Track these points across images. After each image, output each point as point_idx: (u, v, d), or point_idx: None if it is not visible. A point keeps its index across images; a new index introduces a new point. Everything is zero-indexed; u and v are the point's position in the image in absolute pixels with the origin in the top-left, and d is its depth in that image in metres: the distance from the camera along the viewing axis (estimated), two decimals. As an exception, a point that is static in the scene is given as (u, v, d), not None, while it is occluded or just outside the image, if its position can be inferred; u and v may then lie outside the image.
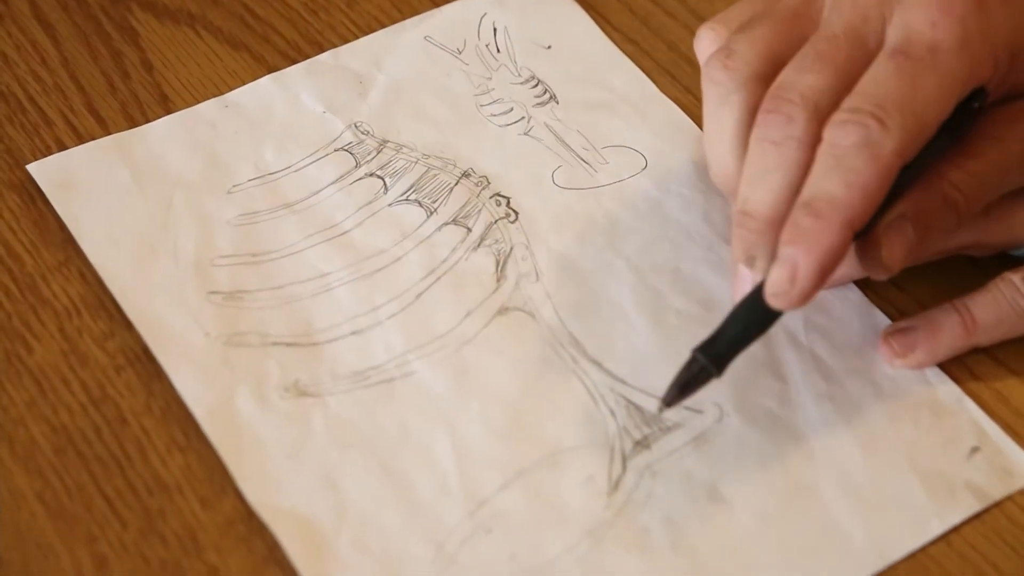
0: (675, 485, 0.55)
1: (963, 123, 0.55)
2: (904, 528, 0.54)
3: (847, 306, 0.60)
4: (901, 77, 0.53)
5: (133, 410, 0.57)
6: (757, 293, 0.53)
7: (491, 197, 0.63)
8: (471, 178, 0.64)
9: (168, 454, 0.55)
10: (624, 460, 0.55)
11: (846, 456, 0.56)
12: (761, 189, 0.53)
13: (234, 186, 0.63)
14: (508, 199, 0.63)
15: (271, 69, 0.68)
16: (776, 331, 0.59)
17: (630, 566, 0.53)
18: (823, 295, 0.60)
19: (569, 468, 0.55)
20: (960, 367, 0.58)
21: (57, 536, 0.54)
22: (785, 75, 0.54)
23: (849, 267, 0.57)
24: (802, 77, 0.54)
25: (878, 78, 0.53)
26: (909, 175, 0.54)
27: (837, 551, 0.53)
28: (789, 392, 0.57)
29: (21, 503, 0.54)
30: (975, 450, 0.56)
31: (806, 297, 0.52)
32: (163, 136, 0.65)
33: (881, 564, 0.53)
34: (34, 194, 0.63)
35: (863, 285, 0.61)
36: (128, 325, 0.59)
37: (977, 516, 0.55)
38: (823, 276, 0.52)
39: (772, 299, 0.52)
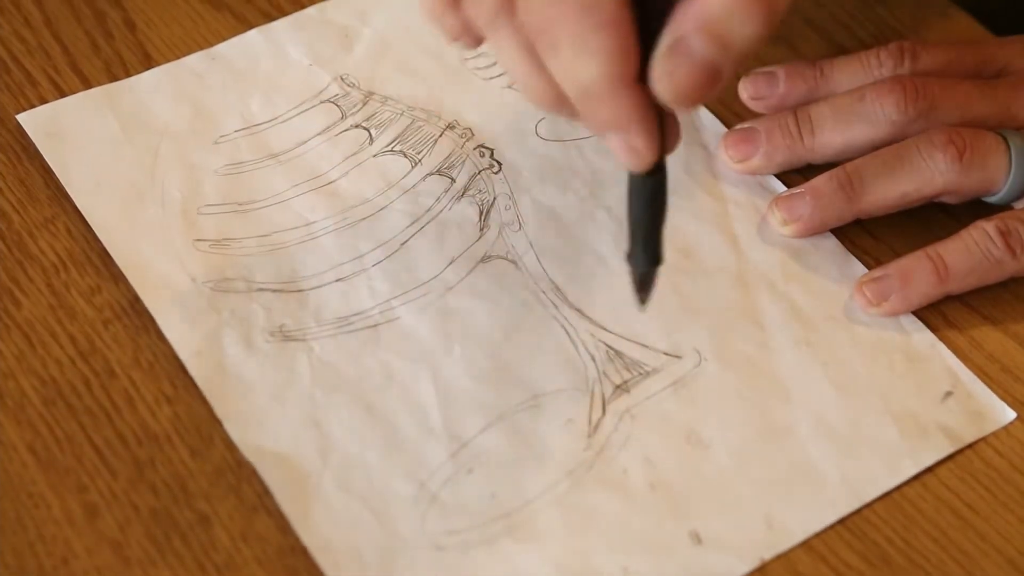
0: (654, 428, 0.56)
1: None
2: (878, 468, 0.55)
3: (823, 254, 0.61)
4: None
5: (121, 363, 0.57)
6: (631, 182, 0.52)
7: (475, 148, 0.64)
8: (455, 130, 0.65)
9: (157, 405, 0.56)
10: (604, 404, 0.56)
11: (822, 399, 0.57)
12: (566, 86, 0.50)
13: (221, 136, 0.64)
14: (492, 150, 0.64)
15: (252, 28, 0.68)
16: (754, 278, 0.60)
17: (609, 505, 0.54)
18: (799, 244, 0.61)
19: (550, 411, 0.56)
20: (935, 314, 0.59)
21: (48, 486, 0.54)
22: None
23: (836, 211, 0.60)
24: None
25: None
26: None
27: (812, 490, 0.54)
28: (766, 337, 0.58)
29: (12, 454, 0.55)
30: (948, 394, 0.57)
31: (652, 150, 0.50)
32: (151, 87, 0.65)
33: (856, 503, 0.54)
34: (20, 152, 0.63)
35: (839, 234, 0.61)
36: (115, 280, 0.59)
37: (952, 458, 0.56)
38: (647, 125, 0.49)
39: (636, 168, 0.51)
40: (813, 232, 0.61)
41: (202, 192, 0.62)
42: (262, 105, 0.65)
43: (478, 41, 0.52)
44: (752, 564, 0.53)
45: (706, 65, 0.46)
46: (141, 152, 0.63)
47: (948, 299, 0.59)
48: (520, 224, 0.61)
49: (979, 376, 0.58)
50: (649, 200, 0.52)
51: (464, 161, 0.64)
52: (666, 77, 0.47)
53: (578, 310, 0.59)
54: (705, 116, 0.65)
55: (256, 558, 0.52)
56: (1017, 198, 0.60)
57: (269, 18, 0.68)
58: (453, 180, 0.63)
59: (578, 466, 0.55)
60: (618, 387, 0.57)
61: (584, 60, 0.47)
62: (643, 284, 0.54)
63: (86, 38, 0.68)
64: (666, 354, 0.58)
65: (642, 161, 0.50)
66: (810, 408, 0.56)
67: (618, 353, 0.58)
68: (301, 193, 0.62)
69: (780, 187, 0.63)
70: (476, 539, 0.53)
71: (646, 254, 0.53)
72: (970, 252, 0.58)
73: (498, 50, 0.51)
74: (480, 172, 0.63)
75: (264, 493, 0.54)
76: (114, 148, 0.63)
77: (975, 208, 0.61)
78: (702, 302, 0.59)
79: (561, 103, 0.50)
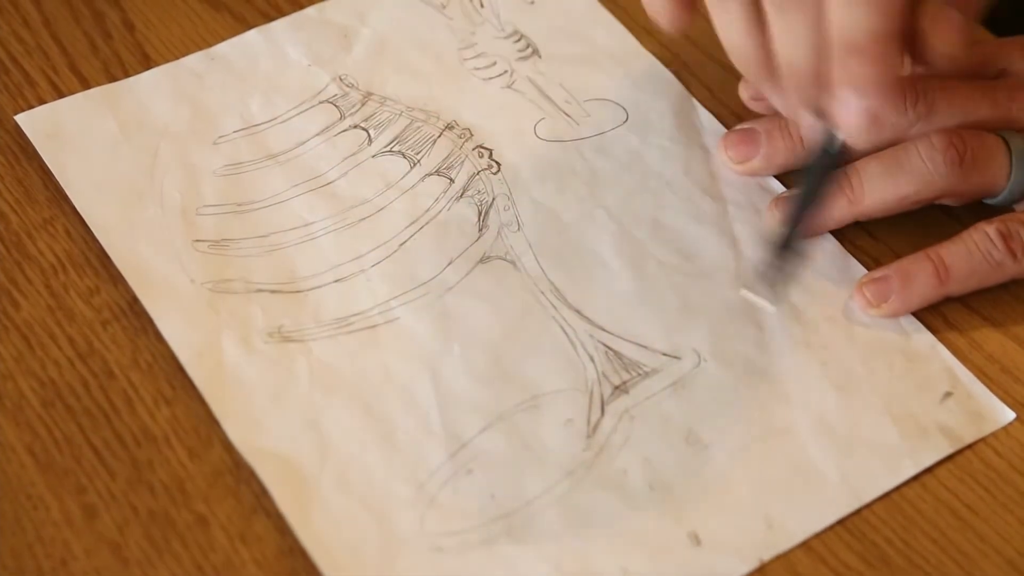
0: (653, 428, 0.56)
1: None
2: (878, 469, 0.55)
3: (823, 255, 0.61)
4: None
5: (120, 364, 0.57)
6: (820, 160, 0.52)
7: (474, 149, 0.64)
8: (454, 130, 0.64)
9: (155, 406, 0.56)
10: (603, 404, 0.56)
11: (821, 400, 0.56)
12: (795, 47, 0.51)
13: (220, 137, 0.64)
14: (491, 151, 0.64)
15: (251, 29, 0.68)
16: (754, 279, 0.60)
17: (608, 505, 0.54)
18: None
19: (549, 412, 0.56)
20: (934, 315, 0.59)
21: (47, 487, 0.54)
22: None
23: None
24: None
25: None
26: None
27: (812, 491, 0.54)
28: (766, 338, 0.58)
29: (11, 455, 0.55)
30: (948, 395, 0.57)
31: (885, 125, 0.50)
32: (150, 88, 0.65)
33: (855, 503, 0.54)
34: (19, 153, 0.63)
35: (839, 235, 0.61)
36: (113, 281, 0.59)
37: (952, 459, 0.55)
38: (894, 101, 0.50)
39: (856, 140, 0.51)
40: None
41: (201, 193, 0.62)
42: (261, 105, 0.65)
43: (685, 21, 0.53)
44: (751, 565, 0.53)
45: (965, 30, 0.51)
46: (140, 153, 0.63)
47: (948, 300, 0.59)
48: (519, 224, 0.61)
49: (979, 377, 0.58)
50: (827, 180, 0.53)
51: (463, 161, 0.63)
52: (943, 39, 0.50)
53: (577, 310, 0.59)
54: (704, 116, 0.65)
55: (254, 559, 0.52)
56: (1018, 200, 0.60)
57: (268, 18, 0.68)
58: (452, 180, 0.63)
59: (577, 467, 0.55)
60: (617, 388, 0.57)
61: (863, 10, 0.47)
62: (783, 276, 0.55)
63: (85, 39, 0.68)
64: (665, 355, 0.58)
65: (881, 129, 0.50)
66: (810, 408, 0.56)
67: (617, 354, 0.58)
68: (300, 194, 0.62)
69: (779, 188, 0.63)
70: (475, 540, 0.53)
71: (798, 242, 0.54)
72: (971, 254, 0.58)
73: (722, 12, 0.51)
74: (479, 172, 0.63)
75: (262, 494, 0.54)
76: (113, 149, 0.63)
77: (976, 210, 0.61)
78: (701, 302, 0.59)
79: (775, 72, 0.50)
